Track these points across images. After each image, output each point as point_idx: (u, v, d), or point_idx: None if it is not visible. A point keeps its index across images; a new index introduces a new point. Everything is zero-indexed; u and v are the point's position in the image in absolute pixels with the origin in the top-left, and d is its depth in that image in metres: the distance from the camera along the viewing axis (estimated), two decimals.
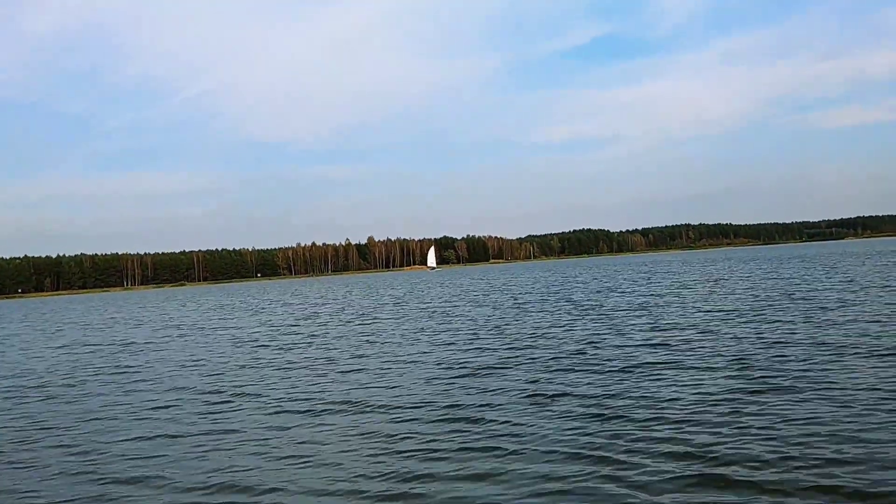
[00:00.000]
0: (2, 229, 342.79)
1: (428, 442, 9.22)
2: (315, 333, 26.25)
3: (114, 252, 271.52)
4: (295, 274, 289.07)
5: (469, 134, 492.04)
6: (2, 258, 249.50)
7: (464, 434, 9.52)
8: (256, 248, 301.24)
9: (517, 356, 16.20)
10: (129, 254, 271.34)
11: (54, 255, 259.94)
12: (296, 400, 12.76)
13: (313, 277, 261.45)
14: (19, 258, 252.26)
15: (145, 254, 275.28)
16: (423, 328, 25.18)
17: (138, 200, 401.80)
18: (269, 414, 11.76)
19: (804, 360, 13.03)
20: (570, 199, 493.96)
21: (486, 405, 11.13)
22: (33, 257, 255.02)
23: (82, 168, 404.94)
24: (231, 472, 8.50)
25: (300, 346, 22.08)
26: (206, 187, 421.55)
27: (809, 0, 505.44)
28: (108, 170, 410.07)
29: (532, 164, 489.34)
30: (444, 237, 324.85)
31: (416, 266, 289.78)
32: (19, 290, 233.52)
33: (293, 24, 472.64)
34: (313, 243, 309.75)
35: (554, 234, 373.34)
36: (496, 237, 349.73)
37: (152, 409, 12.98)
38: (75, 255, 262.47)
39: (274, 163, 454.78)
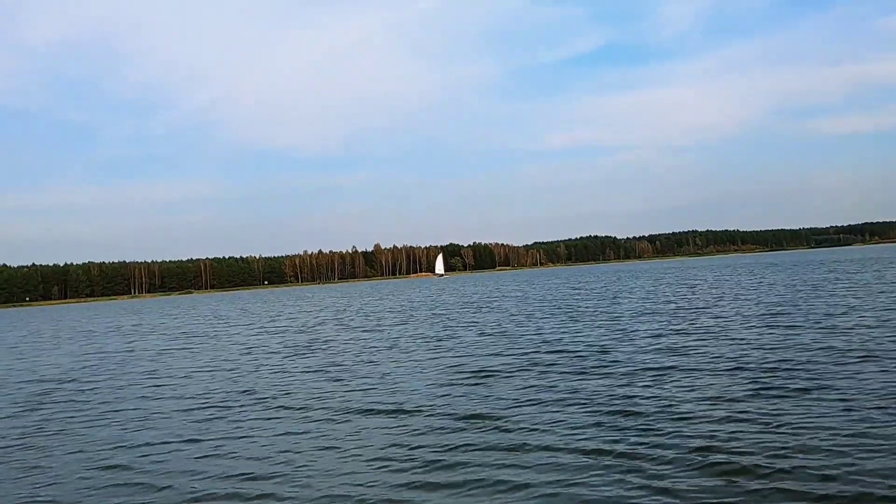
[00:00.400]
0: (9, 238, 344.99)
1: (446, 441, 9.52)
2: (327, 339, 26.51)
3: (121, 260, 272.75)
4: (302, 281, 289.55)
5: (473, 140, 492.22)
6: (9, 266, 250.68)
7: (482, 433, 9.80)
8: (263, 255, 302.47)
9: (528, 361, 16.43)
10: (137, 262, 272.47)
11: (61, 264, 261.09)
12: (312, 404, 13.01)
13: (320, 285, 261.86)
14: (27, 266, 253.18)
15: (152, 262, 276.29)
16: (433, 334, 25.41)
17: (144, 209, 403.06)
18: (287, 417, 12.03)
19: (811, 363, 13.26)
20: (577, 205, 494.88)
21: (502, 407, 11.38)
22: (41, 265, 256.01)
23: (88, 176, 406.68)
24: (252, 471, 8.77)
25: (312, 352, 22.34)
26: (211, 195, 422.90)
27: (810, 7, 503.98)
28: (114, 178, 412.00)
29: (537, 170, 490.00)
30: (451, 244, 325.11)
31: (423, 273, 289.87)
32: (27, 299, 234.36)
33: (295, 32, 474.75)
34: (320, 251, 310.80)
35: (560, 241, 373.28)
36: (502, 244, 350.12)
37: (169, 413, 13.25)
38: (82, 264, 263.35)
39: (278, 170, 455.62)
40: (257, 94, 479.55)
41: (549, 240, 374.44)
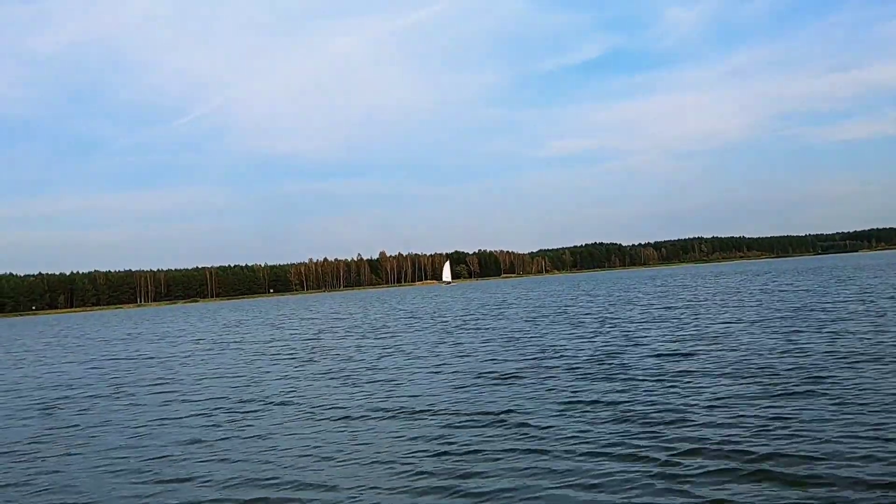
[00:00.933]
0: (15, 246, 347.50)
1: (467, 442, 9.65)
2: (337, 346, 26.61)
3: (127, 269, 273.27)
4: (307, 289, 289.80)
5: (478, 147, 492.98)
6: (16, 275, 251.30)
7: (497, 436, 9.91)
8: (268, 263, 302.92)
9: (540, 365, 16.52)
10: (143, 270, 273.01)
11: (67, 272, 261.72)
12: (328, 407, 13.13)
13: (326, 293, 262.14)
14: (33, 275, 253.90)
15: (158, 270, 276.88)
16: (444, 340, 25.50)
17: (150, 217, 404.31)
18: (304, 420, 12.14)
19: (818, 367, 13.35)
20: (582, 212, 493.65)
21: (515, 410, 11.48)
22: (47, 274, 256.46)
23: (93, 185, 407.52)
24: (272, 473, 8.87)
25: (323, 357, 22.44)
26: (216, 203, 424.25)
27: (815, 14, 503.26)
28: (119, 187, 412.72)
29: (542, 177, 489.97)
30: (456, 252, 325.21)
31: (428, 281, 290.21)
32: (33, 308, 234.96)
33: (300, 41, 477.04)
34: (325, 259, 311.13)
35: (565, 248, 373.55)
36: (508, 251, 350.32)
37: (186, 417, 13.36)
38: (88, 272, 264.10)
39: (284, 178, 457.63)
40: (262, 103, 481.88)
41: (554, 247, 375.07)
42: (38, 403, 16.71)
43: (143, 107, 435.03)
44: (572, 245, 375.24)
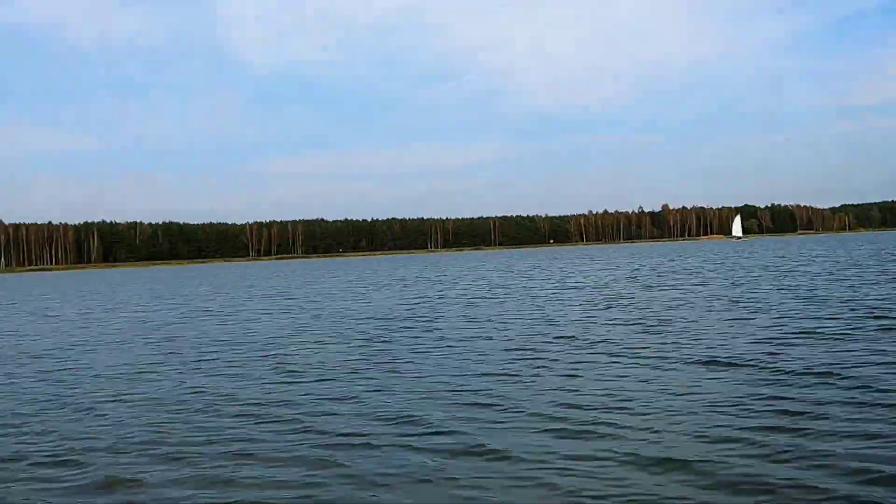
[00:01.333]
0: (327, 196, 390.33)
1: (788, 392, 9.50)
2: (628, 295, 26.73)
3: (419, 217, 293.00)
4: (587, 241, 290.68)
5: (774, 98, 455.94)
6: (326, 220, 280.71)
7: (823, 388, 9.58)
8: (549, 214, 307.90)
9: (861, 325, 15.27)
10: (434, 219, 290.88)
11: (369, 219, 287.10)
12: (631, 351, 13.49)
13: (606, 244, 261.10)
14: (340, 221, 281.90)
15: (447, 219, 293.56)
16: (742, 296, 24.52)
17: (440, 169, 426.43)
18: (611, 362, 12.52)
19: None
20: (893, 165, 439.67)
21: (840, 365, 10.89)
22: (352, 220, 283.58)
23: (392, 140, 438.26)
24: (589, 403, 9.35)
25: (617, 305, 22.73)
26: (501, 155, 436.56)
27: None
28: (413, 142, 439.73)
29: (848, 128, 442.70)
30: (746, 206, 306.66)
31: (715, 235, 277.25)
32: (339, 249, 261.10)
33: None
34: (605, 210, 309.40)
35: (874, 203, 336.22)
36: (805, 206, 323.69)
37: (493, 351, 14.34)
38: (387, 219, 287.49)
39: (569, 132, 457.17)
40: (550, 57, 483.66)
41: (860, 202, 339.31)
42: (361, 333, 18.76)
43: (434, 66, 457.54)
44: (881, 200, 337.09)
